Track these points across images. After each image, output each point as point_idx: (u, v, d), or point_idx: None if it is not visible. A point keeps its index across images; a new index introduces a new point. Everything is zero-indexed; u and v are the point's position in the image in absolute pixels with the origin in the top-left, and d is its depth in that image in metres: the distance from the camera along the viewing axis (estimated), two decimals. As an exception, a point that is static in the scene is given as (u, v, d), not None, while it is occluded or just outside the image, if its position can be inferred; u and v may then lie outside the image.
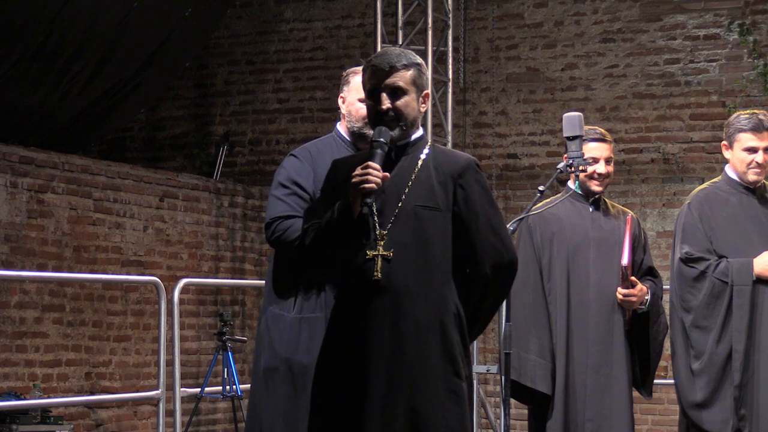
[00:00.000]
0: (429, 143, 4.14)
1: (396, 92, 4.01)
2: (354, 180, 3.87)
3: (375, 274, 3.93)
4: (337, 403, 3.95)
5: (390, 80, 4.00)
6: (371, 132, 4.59)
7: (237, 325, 10.70)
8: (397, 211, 3.98)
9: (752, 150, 5.56)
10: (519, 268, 5.47)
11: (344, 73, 4.98)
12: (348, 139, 4.90)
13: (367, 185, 3.85)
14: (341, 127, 4.96)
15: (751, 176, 5.58)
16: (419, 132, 4.12)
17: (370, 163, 3.89)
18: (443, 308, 4.01)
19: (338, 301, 4.04)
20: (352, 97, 4.78)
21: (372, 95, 4.03)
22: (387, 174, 3.91)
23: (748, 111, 5.68)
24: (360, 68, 4.66)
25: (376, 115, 4.02)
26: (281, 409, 4.67)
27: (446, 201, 4.03)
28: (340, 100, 4.93)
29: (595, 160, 5.55)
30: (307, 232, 4.01)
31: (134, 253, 9.91)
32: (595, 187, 5.59)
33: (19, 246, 8.90)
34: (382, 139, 3.95)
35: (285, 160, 4.92)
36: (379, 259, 3.94)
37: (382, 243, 3.95)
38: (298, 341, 4.66)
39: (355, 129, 4.82)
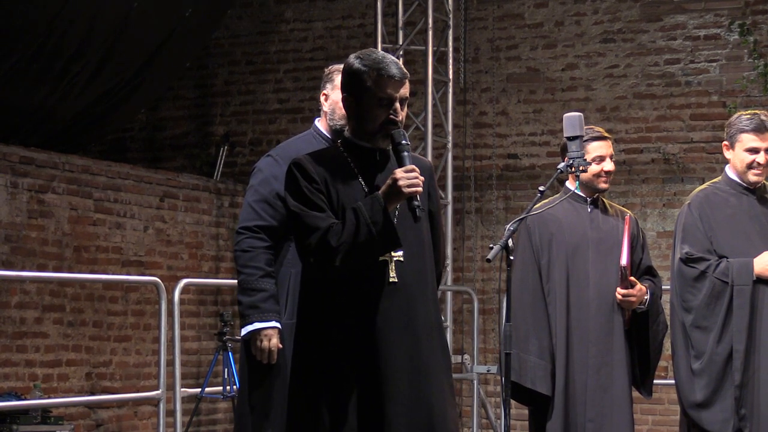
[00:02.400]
0: None
1: (403, 103, 4.06)
2: (401, 182, 3.89)
3: (391, 276, 3.97)
4: (361, 404, 3.95)
5: (403, 91, 4.04)
6: None
7: (237, 325, 10.66)
8: (397, 213, 4.01)
9: (754, 150, 5.56)
10: (518, 269, 5.53)
11: (327, 70, 4.92)
12: (328, 136, 4.85)
13: (418, 188, 3.90)
14: (320, 124, 4.90)
15: (752, 177, 5.59)
16: None
17: (413, 166, 3.93)
18: (438, 307, 4.15)
19: (350, 303, 3.98)
20: (337, 95, 4.67)
21: (386, 104, 4.00)
22: (423, 177, 3.97)
23: (749, 111, 5.68)
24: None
25: (387, 123, 4.01)
26: (276, 415, 4.66)
27: (426, 202, 4.11)
28: (322, 97, 4.87)
29: (602, 158, 5.56)
30: (328, 233, 3.92)
31: (135, 253, 9.91)
32: (602, 184, 5.60)
33: (19, 246, 8.91)
34: (405, 141, 4.00)
35: (262, 161, 4.90)
36: (392, 261, 3.98)
37: None
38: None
39: (338, 126, 4.77)
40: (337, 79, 4.73)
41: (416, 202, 3.89)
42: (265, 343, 4.65)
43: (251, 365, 4.77)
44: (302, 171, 4.03)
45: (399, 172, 3.90)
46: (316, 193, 3.99)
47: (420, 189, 3.90)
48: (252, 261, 4.69)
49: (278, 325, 4.66)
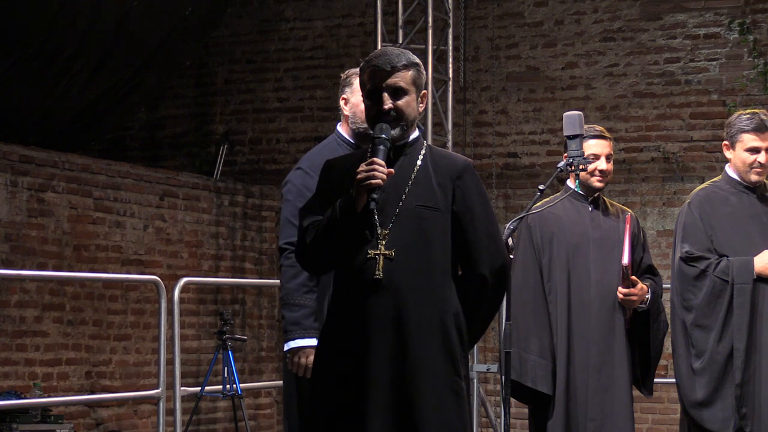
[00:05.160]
0: (425, 144, 4.15)
1: (397, 92, 4.02)
2: (359, 176, 3.88)
3: (377, 273, 3.94)
4: (339, 401, 3.96)
5: (391, 80, 4.01)
6: None
7: (237, 324, 10.70)
8: (398, 210, 3.99)
9: (755, 150, 5.56)
10: (519, 268, 5.52)
11: (344, 75, 4.96)
12: (350, 140, 4.89)
13: (373, 181, 3.86)
14: (342, 129, 4.94)
15: (753, 176, 5.59)
16: (416, 133, 4.14)
17: (375, 159, 3.90)
18: (443, 308, 4.02)
19: (339, 299, 4.04)
20: (357, 98, 4.73)
21: (372, 95, 4.04)
22: (391, 170, 3.93)
23: (749, 111, 5.68)
24: None
25: (376, 115, 4.03)
26: None
27: (445, 201, 4.04)
28: (341, 102, 4.90)
29: (596, 157, 5.56)
30: (307, 230, 4.01)
31: (134, 252, 9.91)
32: (596, 183, 5.60)
33: (19, 245, 8.90)
34: (384, 136, 3.97)
35: (291, 174, 4.91)
36: (381, 258, 3.95)
37: (383, 242, 3.97)
38: None
39: (361, 130, 4.80)
40: (356, 82, 4.76)
41: (374, 195, 3.85)
42: (303, 360, 4.72)
43: (299, 377, 4.80)
44: (324, 173, 4.14)
45: (361, 166, 3.90)
46: (327, 196, 4.03)
47: (376, 182, 3.85)
48: (295, 277, 4.73)
49: (316, 342, 4.72)
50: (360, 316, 3.95)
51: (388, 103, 4.00)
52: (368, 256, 3.96)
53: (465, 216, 4.06)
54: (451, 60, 10.59)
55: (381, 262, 3.95)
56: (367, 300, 3.95)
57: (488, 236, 4.09)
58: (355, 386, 3.93)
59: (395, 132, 4.02)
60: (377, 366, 3.92)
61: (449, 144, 10.53)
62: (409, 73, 4.04)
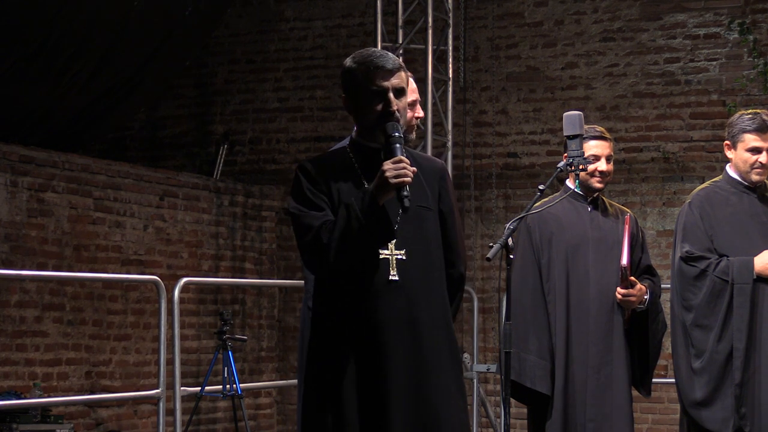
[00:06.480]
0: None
1: (398, 93, 4.02)
2: (387, 174, 3.84)
3: (392, 273, 3.94)
4: (359, 402, 3.93)
5: (395, 81, 4.00)
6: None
7: (237, 324, 10.70)
8: (400, 211, 3.97)
9: (756, 150, 5.57)
10: (518, 268, 5.53)
11: None
12: None
13: (405, 179, 3.85)
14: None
15: (755, 176, 5.60)
16: None
17: (401, 157, 3.88)
18: (446, 307, 4.08)
19: (350, 301, 3.98)
20: None
21: (378, 95, 3.99)
22: (415, 168, 3.92)
23: (750, 111, 5.68)
24: None
25: (382, 116, 3.99)
26: None
27: (434, 201, 4.09)
28: None
29: (596, 158, 5.56)
30: (320, 230, 3.92)
31: (134, 252, 9.91)
32: (596, 184, 5.60)
33: (19, 245, 8.90)
34: (397, 134, 3.95)
35: None
36: (394, 259, 3.96)
37: (392, 243, 3.97)
38: None
39: None
40: None
41: (405, 193, 3.84)
42: None
43: None
44: (305, 173, 4.04)
45: (387, 164, 3.87)
46: (318, 194, 3.99)
47: (407, 179, 3.84)
48: None
49: None
50: (374, 318, 3.93)
51: (396, 104, 4.00)
52: (380, 257, 3.95)
53: (448, 216, 4.13)
54: (451, 60, 10.59)
55: (394, 263, 3.96)
56: (384, 301, 3.94)
57: (461, 237, 4.21)
58: (377, 387, 3.90)
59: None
60: (395, 368, 3.92)
61: (449, 144, 10.54)
62: (404, 74, 4.06)
